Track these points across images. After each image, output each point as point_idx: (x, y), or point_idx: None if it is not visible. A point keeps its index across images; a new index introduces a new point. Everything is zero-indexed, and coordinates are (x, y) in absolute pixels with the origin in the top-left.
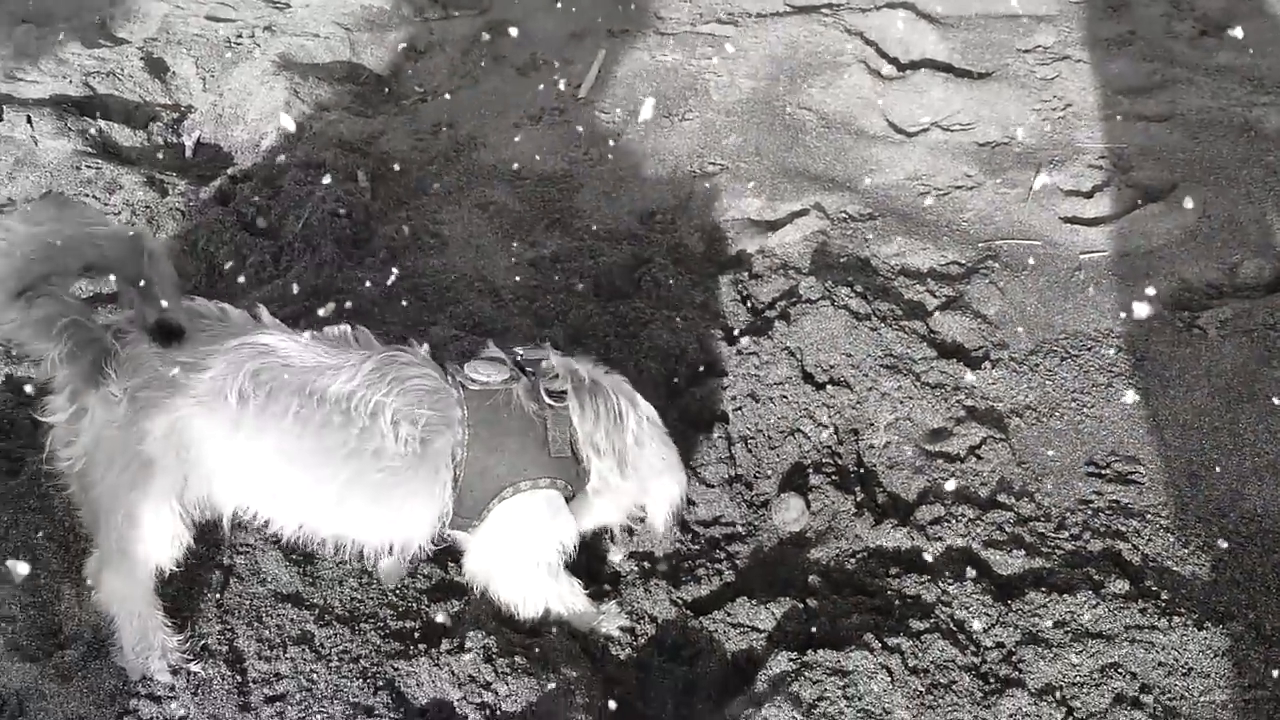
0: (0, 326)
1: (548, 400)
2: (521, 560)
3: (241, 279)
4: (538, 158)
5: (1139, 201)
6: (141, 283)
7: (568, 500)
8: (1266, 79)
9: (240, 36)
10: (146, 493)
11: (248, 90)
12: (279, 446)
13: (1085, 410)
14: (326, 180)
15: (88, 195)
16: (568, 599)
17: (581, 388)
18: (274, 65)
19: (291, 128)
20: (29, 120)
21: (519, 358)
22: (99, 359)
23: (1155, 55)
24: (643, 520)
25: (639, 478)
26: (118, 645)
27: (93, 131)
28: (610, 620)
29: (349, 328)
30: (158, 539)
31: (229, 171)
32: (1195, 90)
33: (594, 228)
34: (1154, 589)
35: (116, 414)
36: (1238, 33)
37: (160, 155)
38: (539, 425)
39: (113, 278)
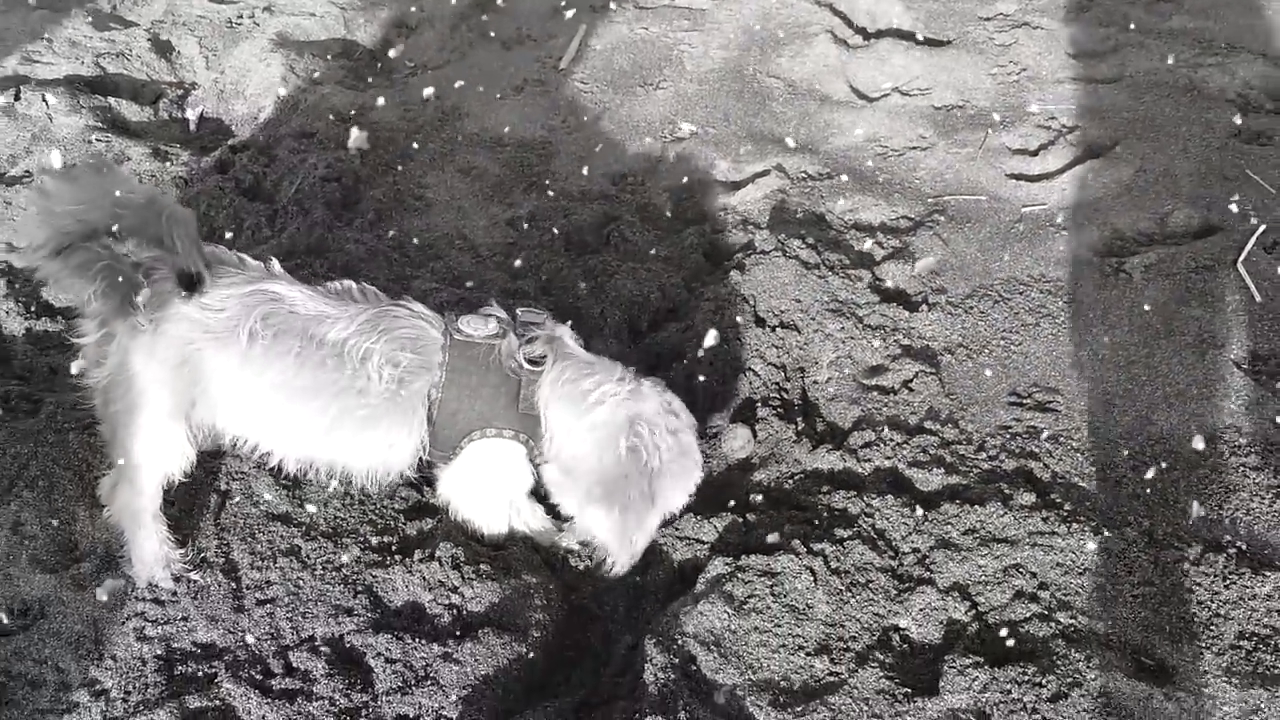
0: (43, 274)
1: (525, 363)
2: (480, 496)
3: (239, 241)
4: (519, 126)
5: (1081, 158)
6: (163, 240)
7: (534, 453)
8: (1215, 41)
9: (241, 17)
10: (160, 409)
11: (247, 67)
12: (278, 382)
13: (1012, 347)
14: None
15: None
16: (530, 521)
17: (562, 351)
18: (272, 43)
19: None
20: (44, 98)
21: (519, 317)
22: (129, 293)
23: (1112, 20)
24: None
25: (589, 482)
26: (127, 556)
27: (103, 108)
28: (570, 536)
29: (353, 283)
30: (167, 450)
31: (229, 143)
32: (1145, 53)
33: (568, 189)
34: (1058, 501)
35: (141, 341)
36: None
37: (166, 129)
38: (513, 382)
39: (133, 241)
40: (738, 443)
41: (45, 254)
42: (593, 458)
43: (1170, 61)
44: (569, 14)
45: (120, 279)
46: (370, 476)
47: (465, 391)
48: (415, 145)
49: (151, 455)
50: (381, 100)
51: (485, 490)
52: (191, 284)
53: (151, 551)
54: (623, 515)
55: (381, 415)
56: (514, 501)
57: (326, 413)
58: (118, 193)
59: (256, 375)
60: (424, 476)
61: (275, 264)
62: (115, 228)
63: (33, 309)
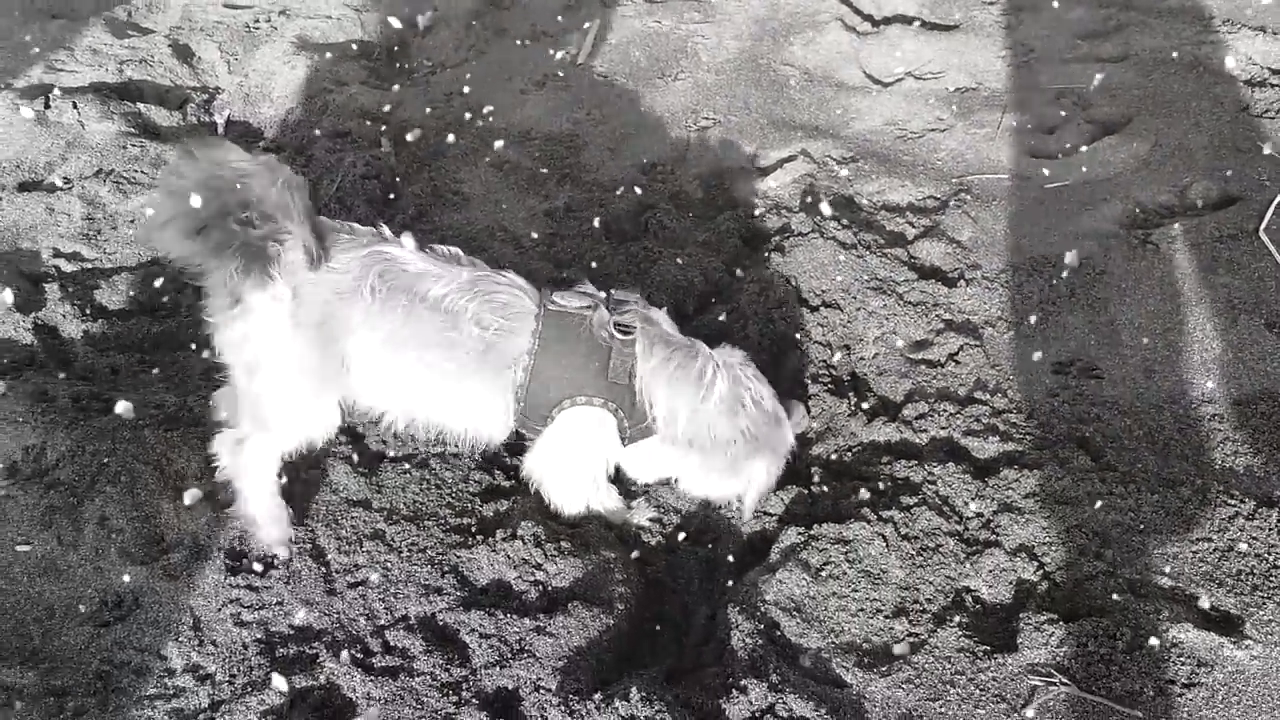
0: (183, 256)
1: (615, 332)
2: (568, 467)
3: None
4: (544, 120)
5: (1097, 135)
6: (283, 209)
7: (623, 426)
8: (1215, 18)
9: (258, 21)
10: (309, 372)
11: (271, 70)
12: (387, 335)
13: (1050, 318)
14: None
15: (137, 171)
16: (605, 502)
17: (651, 333)
18: (293, 46)
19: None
20: (75, 106)
21: (612, 294)
22: (265, 265)
23: (1111, 1)
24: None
25: (723, 453)
26: (244, 517)
27: (133, 114)
28: (640, 513)
29: (459, 250)
30: (316, 413)
31: (261, 144)
32: (1149, 32)
33: (601, 180)
34: (1112, 464)
35: (282, 309)
36: None
37: (196, 133)
38: (604, 351)
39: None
40: (793, 418)
41: (180, 235)
42: (724, 430)
43: (1174, 41)
44: (580, 9)
45: (256, 252)
46: (463, 439)
47: (557, 359)
48: (448, 141)
49: (298, 420)
50: (407, 99)
51: (574, 457)
52: (313, 254)
53: (275, 512)
54: (773, 461)
55: (468, 372)
56: (596, 478)
57: (421, 362)
58: (236, 163)
59: (372, 330)
60: (498, 459)
61: (385, 228)
62: (245, 199)
63: (88, 311)
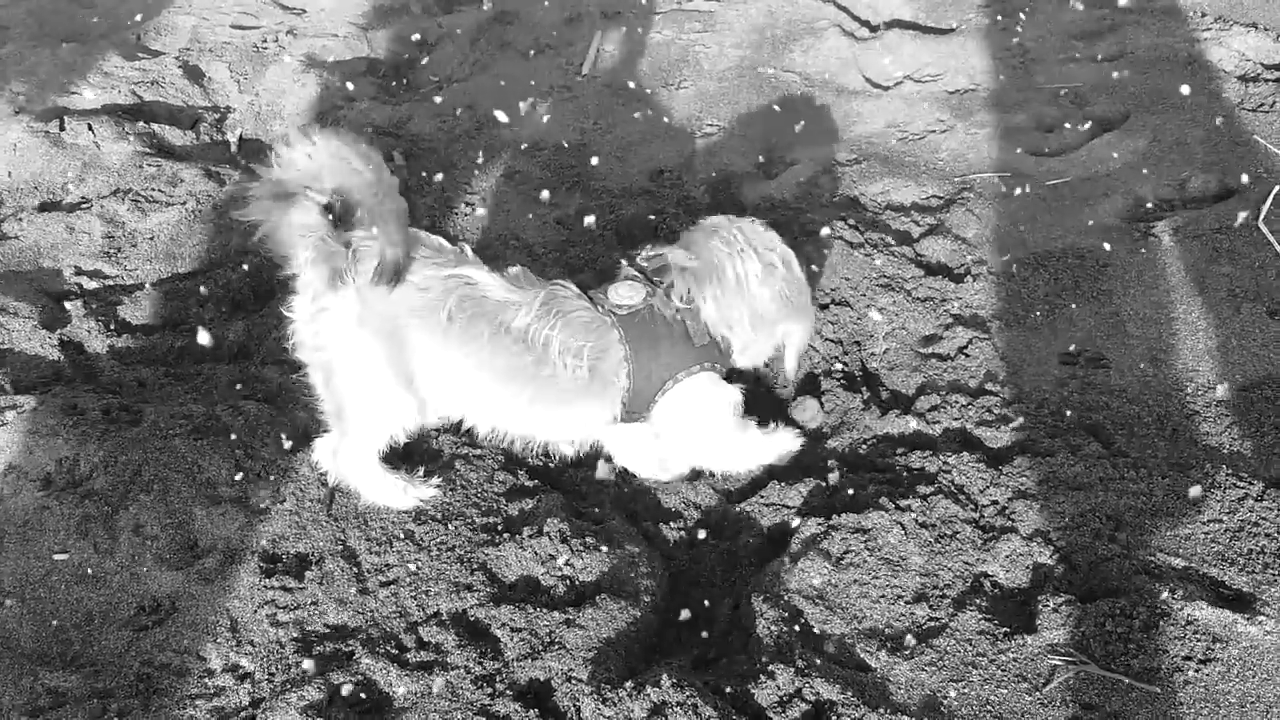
0: (260, 218)
1: (681, 305)
2: (701, 429)
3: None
4: (552, 130)
5: (1096, 133)
6: (374, 223)
7: (722, 373)
8: (1208, 15)
9: (266, 41)
10: (383, 376)
11: (281, 89)
12: (478, 362)
13: (1057, 311)
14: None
15: (154, 189)
16: (759, 441)
17: (702, 283)
18: (302, 65)
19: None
20: (90, 128)
21: (644, 267)
22: (339, 268)
23: (1105, 2)
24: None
25: (768, 327)
26: (380, 505)
27: (148, 134)
28: (787, 441)
29: (519, 268)
30: (393, 413)
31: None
32: (1143, 30)
33: (610, 187)
34: (1123, 450)
35: (354, 314)
36: None
37: (211, 151)
38: (679, 324)
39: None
40: (808, 414)
41: (269, 193)
42: (767, 300)
43: (1169, 38)
44: (582, 22)
45: (331, 251)
46: (565, 445)
47: (649, 354)
48: (455, 153)
49: (378, 421)
50: (417, 113)
51: (699, 428)
52: (393, 274)
53: (392, 491)
54: (805, 318)
55: (575, 398)
56: (737, 421)
57: (523, 395)
58: (344, 157)
59: (454, 353)
60: (522, 459)
61: (468, 250)
62: (338, 186)
63: (112, 326)
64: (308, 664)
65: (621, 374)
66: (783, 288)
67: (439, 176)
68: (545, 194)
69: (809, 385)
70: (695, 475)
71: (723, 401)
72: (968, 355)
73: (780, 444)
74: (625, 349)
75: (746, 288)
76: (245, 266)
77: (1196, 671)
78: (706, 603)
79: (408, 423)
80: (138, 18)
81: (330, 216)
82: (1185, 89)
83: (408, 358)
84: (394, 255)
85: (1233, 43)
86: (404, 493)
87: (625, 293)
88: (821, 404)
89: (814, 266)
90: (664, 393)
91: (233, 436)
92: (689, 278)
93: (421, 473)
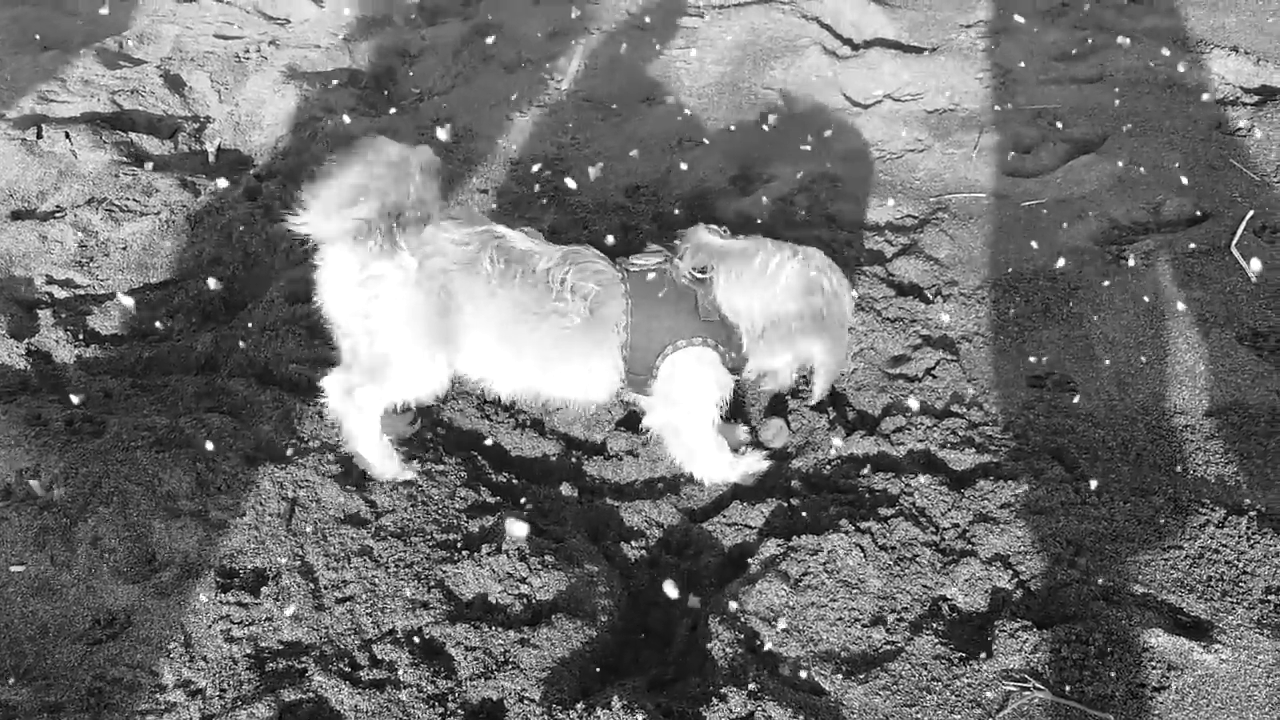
0: (326, 229)
1: (696, 274)
2: (686, 409)
3: (275, 261)
4: (530, 144)
5: (1072, 154)
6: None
7: (726, 358)
8: (1188, 39)
9: (248, 51)
10: (423, 332)
11: (261, 99)
12: (508, 303)
13: (1026, 333)
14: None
15: (129, 199)
16: (724, 453)
17: (720, 261)
18: (283, 75)
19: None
20: (67, 136)
21: (674, 244)
22: (392, 235)
23: (1087, 23)
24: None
25: (788, 336)
26: (359, 458)
27: (125, 143)
28: (752, 464)
29: (531, 229)
30: (426, 372)
31: (252, 171)
32: (1123, 53)
33: (585, 202)
34: (1086, 474)
35: (406, 275)
36: None
37: (188, 161)
38: (690, 295)
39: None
40: (770, 432)
41: (334, 208)
42: (789, 309)
43: (1148, 61)
44: (564, 36)
45: (388, 228)
46: (570, 403)
47: (651, 312)
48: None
49: (413, 379)
50: (396, 125)
51: (685, 407)
52: (386, 240)
53: (384, 452)
54: (834, 343)
55: (578, 336)
56: (714, 407)
57: (538, 331)
58: (386, 160)
59: (493, 298)
60: (483, 475)
61: (476, 209)
62: (386, 188)
63: (80, 337)
64: (259, 681)
65: (621, 325)
66: (821, 307)
67: None
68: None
69: (776, 405)
70: (663, 490)
71: (710, 384)
72: (935, 376)
73: (746, 464)
74: (627, 301)
75: (771, 284)
76: (214, 280)
77: (1151, 699)
78: (666, 622)
79: (437, 389)
80: (126, 30)
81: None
82: (1163, 113)
83: (454, 315)
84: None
85: (1212, 66)
86: (389, 459)
87: (642, 258)
88: (788, 423)
89: None
90: (664, 357)
91: (207, 447)
92: (709, 251)
93: (404, 456)
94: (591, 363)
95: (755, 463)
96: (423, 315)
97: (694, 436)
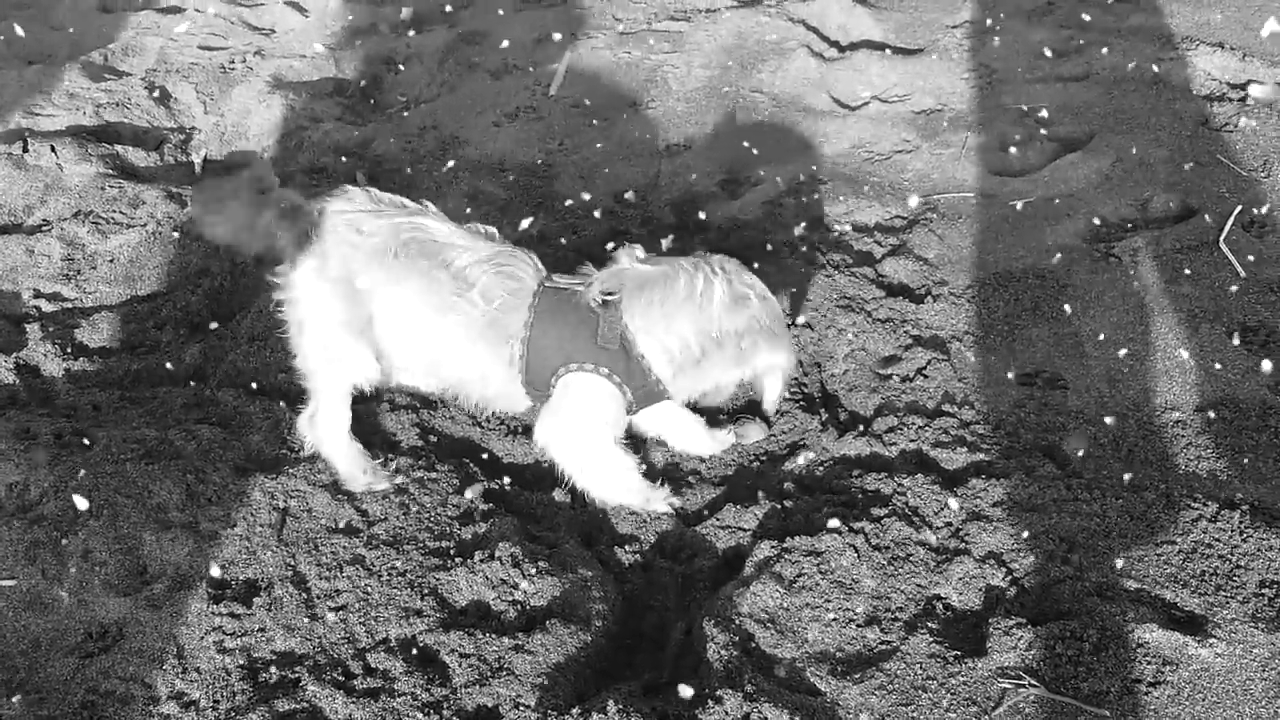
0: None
1: (600, 298)
2: (570, 432)
3: (264, 267)
4: (517, 151)
5: (1060, 152)
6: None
7: (623, 390)
8: (1174, 36)
9: (233, 62)
10: (333, 318)
11: (247, 109)
12: (410, 294)
13: (1016, 332)
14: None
15: (116, 211)
16: (623, 475)
17: (635, 288)
18: (268, 85)
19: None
20: (53, 149)
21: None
22: (307, 229)
23: (1073, 22)
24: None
25: (737, 355)
26: (339, 476)
27: (111, 155)
28: (657, 498)
29: (495, 229)
30: (345, 357)
31: None
32: (1110, 50)
33: (573, 208)
34: (1078, 471)
35: (315, 265)
36: None
37: (174, 173)
38: (592, 321)
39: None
40: (751, 434)
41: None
42: (732, 324)
43: (1135, 59)
44: (552, 42)
45: (301, 215)
46: (478, 406)
47: (550, 332)
48: (419, 174)
49: (333, 365)
50: (381, 134)
51: (569, 430)
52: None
53: (355, 464)
54: (782, 346)
55: (478, 339)
56: (600, 442)
57: (435, 326)
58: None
59: (395, 286)
60: (476, 481)
61: (430, 205)
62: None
63: (69, 350)
64: (253, 692)
65: (519, 337)
66: (759, 316)
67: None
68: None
69: (753, 405)
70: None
71: (593, 414)
72: (926, 376)
73: (655, 496)
74: (530, 314)
75: (705, 305)
76: (200, 290)
77: (1146, 694)
78: (660, 626)
79: (365, 373)
80: (110, 43)
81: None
82: (1149, 110)
83: (361, 302)
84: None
85: (1199, 62)
86: (364, 472)
87: (570, 277)
88: (768, 423)
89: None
90: (557, 378)
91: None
92: (622, 278)
93: (383, 461)
94: (486, 367)
95: (660, 499)
96: (332, 305)
97: (582, 454)
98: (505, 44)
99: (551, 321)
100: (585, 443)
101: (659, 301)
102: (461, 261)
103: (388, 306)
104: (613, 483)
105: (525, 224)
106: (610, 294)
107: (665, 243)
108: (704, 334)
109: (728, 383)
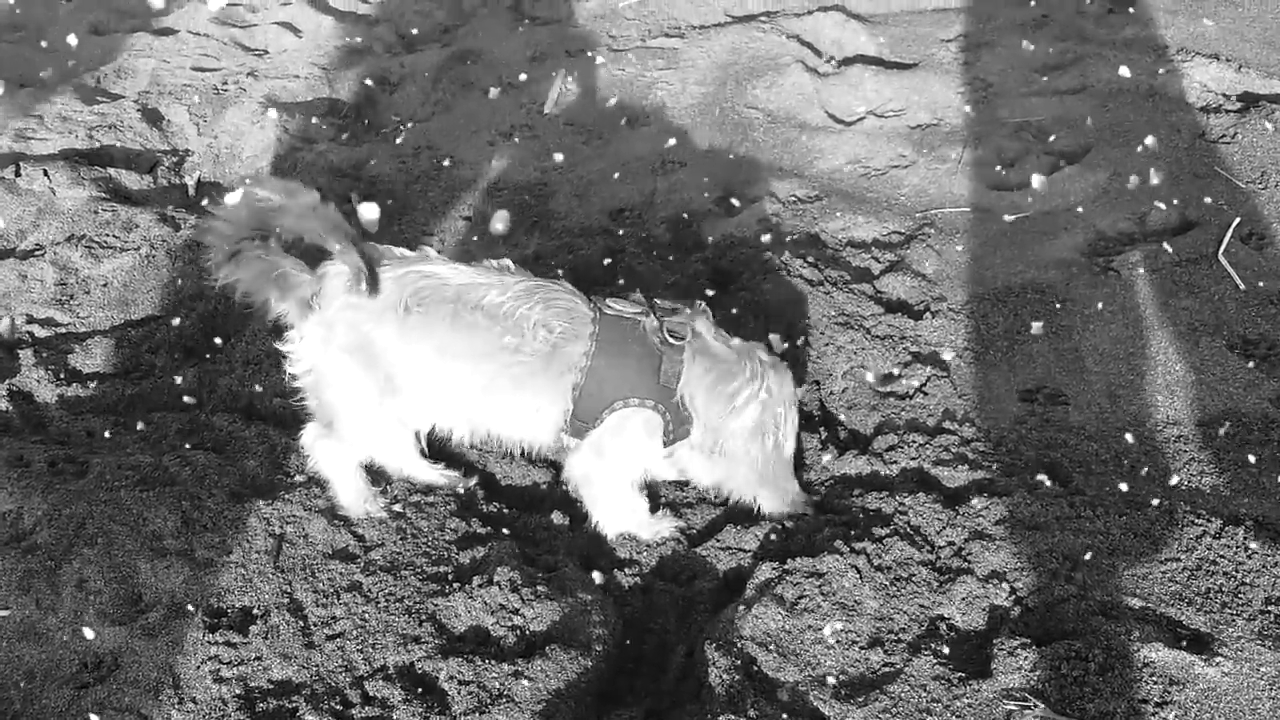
0: (226, 281)
1: (668, 338)
2: (612, 469)
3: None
4: (512, 170)
5: (1057, 166)
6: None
7: (667, 429)
8: (1169, 48)
9: (226, 83)
10: (361, 391)
11: (240, 131)
12: (436, 347)
13: (1016, 347)
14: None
15: (109, 235)
16: (640, 513)
17: (696, 344)
18: (262, 106)
19: (374, 214)
20: (45, 173)
21: (655, 304)
22: (305, 298)
23: (1067, 34)
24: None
25: (736, 468)
26: (338, 501)
27: (104, 179)
28: (664, 527)
29: (509, 261)
30: (377, 428)
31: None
32: (1105, 63)
33: (570, 226)
34: (1081, 488)
35: (321, 336)
36: (1142, 8)
37: (168, 195)
38: (655, 356)
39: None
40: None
41: (220, 261)
42: (748, 450)
43: (1130, 71)
44: (545, 61)
45: (296, 282)
46: (519, 444)
47: (612, 362)
48: (414, 194)
49: (362, 435)
50: (376, 154)
51: (619, 455)
52: (367, 278)
53: (357, 492)
54: (777, 486)
55: (533, 374)
56: (636, 474)
57: (481, 371)
58: (286, 201)
59: (415, 344)
60: (474, 506)
61: (430, 250)
62: (283, 227)
63: (62, 376)
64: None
65: (579, 367)
66: (758, 458)
67: (397, 218)
68: (500, 226)
69: None
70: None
71: (640, 451)
72: (925, 393)
73: (660, 525)
74: (591, 344)
75: (734, 416)
76: (190, 316)
77: (1153, 715)
78: (661, 650)
79: (392, 433)
80: (103, 65)
81: (292, 253)
82: (1146, 123)
83: (380, 364)
84: (355, 261)
85: (1195, 74)
86: (362, 502)
87: (622, 302)
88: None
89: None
90: (612, 410)
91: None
92: (694, 337)
93: (382, 489)
94: (543, 401)
95: (667, 527)
96: (348, 374)
97: (608, 490)
98: (500, 63)
99: (614, 351)
100: (615, 485)
101: (710, 385)
102: (494, 299)
103: (411, 367)
104: (630, 521)
105: (529, 250)
106: (679, 336)
107: (659, 266)
108: (720, 433)
109: (726, 489)
